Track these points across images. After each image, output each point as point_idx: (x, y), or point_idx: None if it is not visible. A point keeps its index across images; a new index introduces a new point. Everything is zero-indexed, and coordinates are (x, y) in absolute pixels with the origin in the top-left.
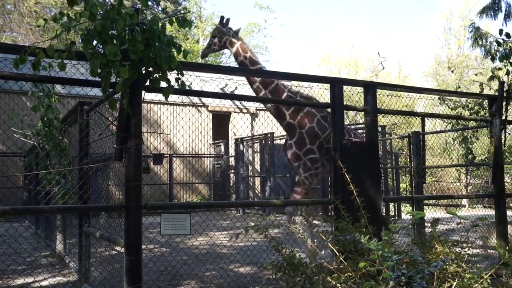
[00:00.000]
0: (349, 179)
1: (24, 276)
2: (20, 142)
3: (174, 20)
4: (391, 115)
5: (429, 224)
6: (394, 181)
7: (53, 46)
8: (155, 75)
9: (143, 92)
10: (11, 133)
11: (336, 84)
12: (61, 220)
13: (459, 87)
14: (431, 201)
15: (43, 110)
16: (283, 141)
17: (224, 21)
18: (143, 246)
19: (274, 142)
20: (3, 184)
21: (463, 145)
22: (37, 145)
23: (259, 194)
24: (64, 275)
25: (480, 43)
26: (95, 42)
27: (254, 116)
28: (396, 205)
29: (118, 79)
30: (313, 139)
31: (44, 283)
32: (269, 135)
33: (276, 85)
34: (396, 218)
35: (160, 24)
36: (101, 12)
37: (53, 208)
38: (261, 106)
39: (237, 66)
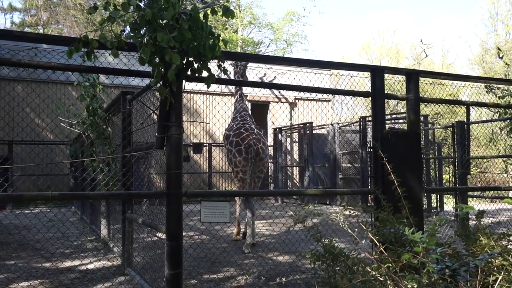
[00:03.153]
0: (390, 169)
1: (71, 259)
2: (66, 131)
3: (217, 9)
4: (434, 104)
5: (473, 217)
6: (437, 172)
7: (105, 35)
8: (197, 65)
9: (184, 81)
10: (58, 122)
11: (377, 72)
12: (105, 206)
13: (508, 74)
14: (475, 193)
15: (88, 100)
16: (322, 131)
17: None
18: (184, 233)
19: (313, 132)
20: (51, 171)
21: (511, 135)
22: (83, 134)
23: (297, 183)
24: (109, 259)
25: None
26: (142, 31)
27: (293, 105)
28: (438, 197)
29: (162, 68)
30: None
31: (90, 266)
32: (308, 124)
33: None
34: (438, 209)
35: (203, 13)
36: (147, 1)
37: (98, 194)
38: (300, 95)
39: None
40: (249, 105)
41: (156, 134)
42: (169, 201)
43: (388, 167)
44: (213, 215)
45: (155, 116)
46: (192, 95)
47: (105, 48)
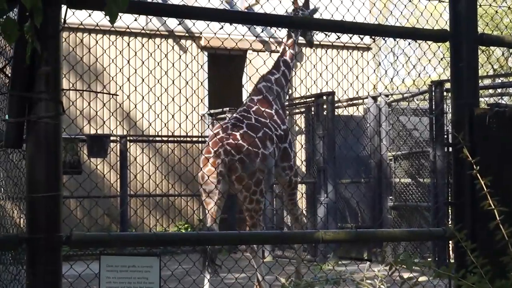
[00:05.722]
0: (485, 189)
1: None
2: None
3: None
4: None
5: None
6: None
7: None
8: None
9: (65, 8)
10: None
11: None
12: None
13: None
14: None
15: None
16: (353, 110)
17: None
18: None
19: (336, 112)
20: None
21: None
22: None
23: (303, 217)
24: None
25: None
26: None
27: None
28: None
29: None
30: None
31: None
32: (325, 97)
33: None
34: None
35: None
36: None
37: None
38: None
39: None
40: (203, 57)
41: (7, 117)
42: (33, 256)
43: (483, 183)
44: (126, 283)
45: (6, 80)
46: (83, 35)
47: None
